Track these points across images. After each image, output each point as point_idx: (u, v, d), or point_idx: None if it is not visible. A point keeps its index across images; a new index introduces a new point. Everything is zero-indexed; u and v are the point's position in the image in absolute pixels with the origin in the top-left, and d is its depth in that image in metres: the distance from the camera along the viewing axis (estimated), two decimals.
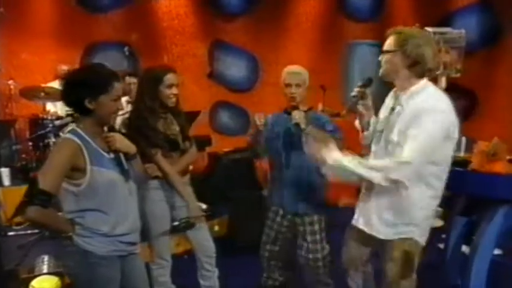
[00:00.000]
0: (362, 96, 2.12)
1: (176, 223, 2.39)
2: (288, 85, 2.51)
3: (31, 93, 4.42)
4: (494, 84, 5.35)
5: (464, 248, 3.10)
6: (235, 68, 5.58)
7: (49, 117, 4.30)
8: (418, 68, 1.92)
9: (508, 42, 5.32)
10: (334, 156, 1.93)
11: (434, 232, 4.26)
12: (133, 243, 1.86)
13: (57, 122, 4.03)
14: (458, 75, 4.14)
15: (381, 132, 2.04)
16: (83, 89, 1.71)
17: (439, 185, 1.99)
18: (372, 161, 2.02)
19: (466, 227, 3.05)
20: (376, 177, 1.89)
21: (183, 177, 2.42)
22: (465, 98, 5.40)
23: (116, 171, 1.78)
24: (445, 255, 3.15)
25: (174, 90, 2.32)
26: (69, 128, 1.78)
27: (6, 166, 4.44)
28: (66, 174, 1.67)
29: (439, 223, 4.48)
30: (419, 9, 5.31)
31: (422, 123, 1.85)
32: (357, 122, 2.28)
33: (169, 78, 2.31)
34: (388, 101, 2.13)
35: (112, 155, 1.80)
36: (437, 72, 4.10)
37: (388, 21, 5.37)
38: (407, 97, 1.95)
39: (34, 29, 5.04)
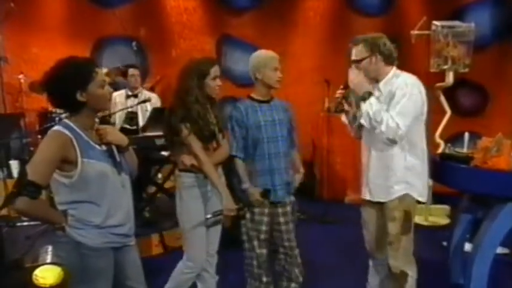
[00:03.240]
0: (344, 97, 2.40)
1: (209, 215, 2.37)
2: (277, 69, 2.54)
3: (40, 87, 4.48)
4: (506, 80, 5.20)
5: (467, 246, 3.05)
6: (242, 63, 5.52)
7: (57, 111, 4.36)
8: (391, 59, 2.32)
9: None
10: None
11: (440, 230, 4.25)
12: (126, 235, 1.87)
13: (63, 115, 4.07)
14: (466, 70, 4.05)
15: None
16: (69, 83, 1.70)
17: (420, 146, 2.33)
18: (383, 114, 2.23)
19: (470, 224, 3.00)
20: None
21: (216, 169, 2.43)
22: (475, 93, 5.29)
23: (108, 164, 1.78)
24: (449, 254, 3.11)
25: (219, 82, 2.39)
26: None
27: (16, 159, 4.54)
28: (57, 166, 1.68)
29: (446, 221, 4.44)
30: (430, 3, 5.20)
31: (403, 95, 2.21)
32: (343, 118, 2.53)
33: (215, 70, 2.38)
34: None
35: (104, 147, 1.80)
36: (445, 67, 4.04)
37: (398, 15, 5.27)
38: (384, 84, 2.32)
39: (44, 23, 5.10)
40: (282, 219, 2.71)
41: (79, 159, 1.70)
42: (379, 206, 2.40)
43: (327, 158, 5.25)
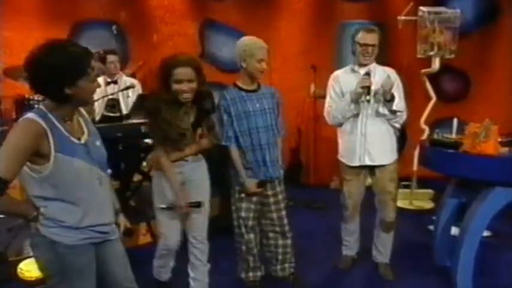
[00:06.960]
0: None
1: (163, 205, 2.39)
2: (262, 60, 2.48)
3: (16, 72, 4.27)
4: (489, 66, 5.29)
5: (454, 230, 3.12)
6: (227, 48, 5.44)
7: (35, 98, 4.18)
8: None
9: (504, 23, 5.24)
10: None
11: (424, 214, 4.33)
12: (107, 232, 1.73)
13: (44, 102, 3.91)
14: (452, 56, 4.08)
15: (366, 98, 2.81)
16: (60, 76, 1.49)
17: None
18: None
19: (456, 209, 3.06)
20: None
21: (194, 156, 2.40)
22: (459, 79, 5.36)
23: (85, 160, 1.61)
24: (435, 237, 3.17)
25: (184, 86, 2.16)
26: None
27: None
28: (28, 159, 1.51)
29: (430, 205, 4.52)
30: None
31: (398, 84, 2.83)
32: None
33: (178, 73, 2.15)
34: (350, 79, 2.82)
35: (83, 141, 1.63)
36: (431, 53, 4.06)
37: (384, 1, 5.26)
38: (374, 67, 2.83)
39: (19, 6, 4.86)
40: (273, 207, 2.72)
41: (52, 153, 1.51)
42: (367, 173, 2.91)
43: (313, 144, 5.25)
